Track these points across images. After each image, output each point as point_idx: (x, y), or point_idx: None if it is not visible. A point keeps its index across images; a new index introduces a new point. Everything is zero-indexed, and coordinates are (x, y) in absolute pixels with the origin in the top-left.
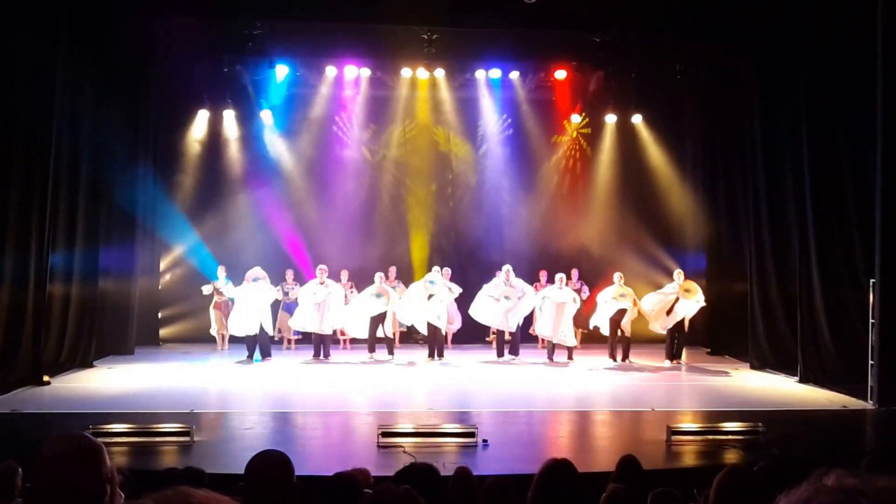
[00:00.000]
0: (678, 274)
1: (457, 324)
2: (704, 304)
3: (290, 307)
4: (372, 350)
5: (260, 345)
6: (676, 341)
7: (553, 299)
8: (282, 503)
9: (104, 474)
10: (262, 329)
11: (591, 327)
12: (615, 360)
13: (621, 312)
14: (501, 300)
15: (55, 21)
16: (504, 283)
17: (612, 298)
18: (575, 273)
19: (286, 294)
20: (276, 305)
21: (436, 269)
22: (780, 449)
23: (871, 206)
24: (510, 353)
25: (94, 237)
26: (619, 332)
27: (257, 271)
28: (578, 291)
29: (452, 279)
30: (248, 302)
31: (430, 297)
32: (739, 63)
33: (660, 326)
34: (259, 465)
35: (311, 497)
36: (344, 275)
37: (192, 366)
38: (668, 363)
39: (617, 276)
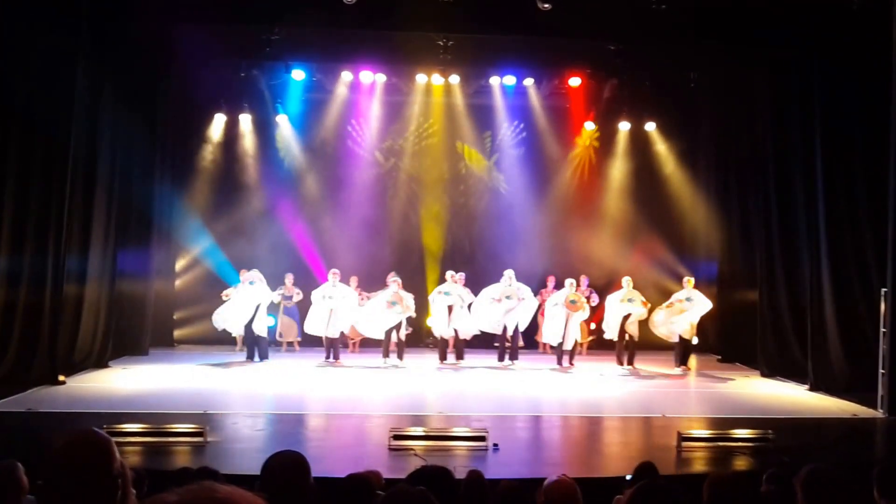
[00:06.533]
0: (687, 281)
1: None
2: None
3: (291, 311)
4: (386, 355)
5: (258, 347)
6: (684, 348)
7: (563, 305)
8: (298, 503)
9: (115, 469)
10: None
11: (604, 334)
12: (622, 365)
13: (627, 317)
14: (502, 300)
15: (76, 27)
16: (506, 286)
17: (619, 302)
18: (584, 280)
19: (288, 298)
20: (275, 308)
21: (449, 273)
22: (790, 456)
23: (885, 214)
24: (510, 357)
25: (111, 239)
26: (625, 337)
27: (254, 273)
28: (587, 299)
29: (465, 285)
30: (241, 301)
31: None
32: (753, 72)
33: (667, 332)
34: (276, 465)
35: (324, 498)
36: (353, 280)
37: (206, 367)
38: (678, 370)
39: (626, 280)
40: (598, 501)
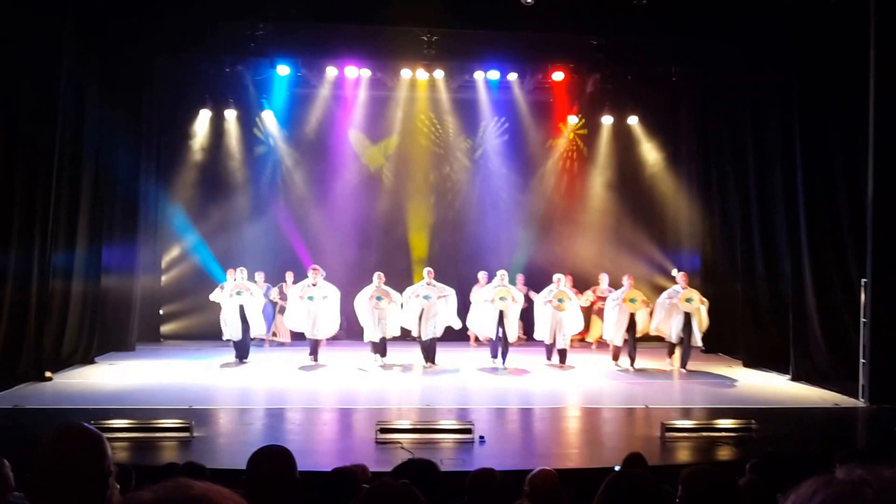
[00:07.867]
0: (681, 276)
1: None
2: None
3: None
4: (376, 352)
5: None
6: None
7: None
8: (284, 497)
9: (106, 466)
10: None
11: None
12: (618, 364)
13: (632, 317)
14: (496, 301)
15: (61, 21)
16: (498, 286)
17: (620, 303)
18: (604, 278)
19: (284, 297)
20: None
21: (427, 270)
22: (772, 446)
23: (863, 205)
24: (502, 356)
25: (97, 234)
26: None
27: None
28: (602, 300)
29: (454, 284)
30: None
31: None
32: (734, 66)
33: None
34: (262, 460)
35: (310, 492)
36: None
37: (193, 362)
38: (676, 365)
39: (625, 279)
40: (586, 492)
